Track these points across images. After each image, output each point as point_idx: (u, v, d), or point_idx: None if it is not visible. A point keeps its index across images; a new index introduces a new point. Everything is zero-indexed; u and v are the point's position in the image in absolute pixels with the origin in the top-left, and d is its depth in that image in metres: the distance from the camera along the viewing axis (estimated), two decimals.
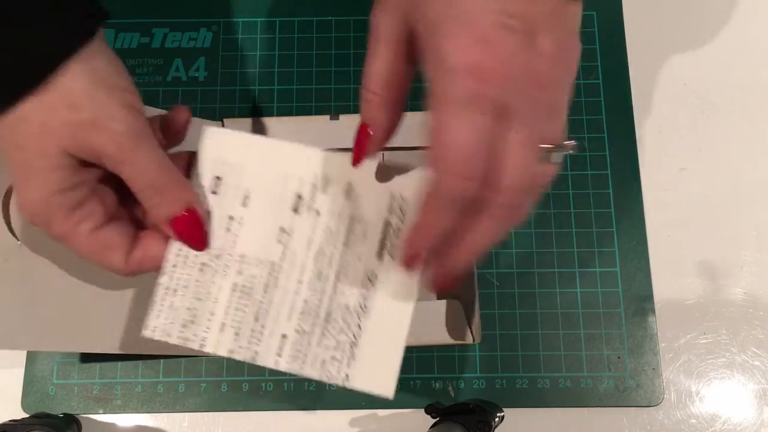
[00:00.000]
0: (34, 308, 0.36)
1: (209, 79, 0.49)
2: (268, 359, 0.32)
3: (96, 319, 0.38)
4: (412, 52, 0.28)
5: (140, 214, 0.34)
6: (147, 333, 0.32)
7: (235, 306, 0.33)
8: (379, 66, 0.29)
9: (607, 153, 0.47)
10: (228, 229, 0.33)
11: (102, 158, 0.29)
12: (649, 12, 0.50)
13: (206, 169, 0.33)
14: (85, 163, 0.30)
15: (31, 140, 0.28)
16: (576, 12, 0.27)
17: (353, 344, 0.32)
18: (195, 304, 0.33)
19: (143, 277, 0.41)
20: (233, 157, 0.33)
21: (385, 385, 0.32)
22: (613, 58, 0.49)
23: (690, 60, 0.49)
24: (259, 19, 0.51)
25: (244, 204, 0.33)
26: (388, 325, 0.32)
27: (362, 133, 0.30)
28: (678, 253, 0.46)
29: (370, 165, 0.33)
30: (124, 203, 0.33)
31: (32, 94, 0.28)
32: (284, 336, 0.32)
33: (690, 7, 0.50)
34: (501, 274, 0.45)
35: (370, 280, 0.33)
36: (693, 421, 0.43)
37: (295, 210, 0.33)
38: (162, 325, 0.32)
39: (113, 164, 0.30)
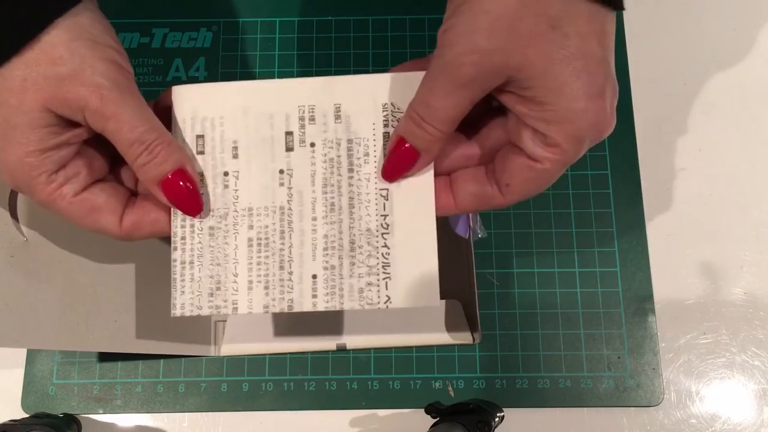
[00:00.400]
0: (39, 306, 0.36)
1: (209, 79, 0.49)
2: (304, 304, 0.31)
3: (101, 318, 0.38)
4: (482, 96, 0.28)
5: (133, 183, 0.32)
6: (176, 312, 0.31)
7: (256, 261, 0.32)
8: (453, 105, 0.28)
9: (607, 153, 0.47)
10: (226, 186, 0.32)
11: (85, 113, 0.28)
12: (649, 12, 0.50)
13: (186, 130, 0.32)
14: (68, 123, 0.29)
15: (11, 96, 0.27)
16: None
17: (385, 264, 0.31)
18: (215, 270, 0.32)
19: (151, 273, 0.41)
20: (210, 111, 0.32)
21: (429, 296, 0.31)
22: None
23: (690, 60, 0.49)
24: (259, 19, 0.51)
25: (235, 156, 0.32)
26: (414, 236, 0.31)
27: (408, 153, 0.30)
28: (678, 253, 0.46)
29: (353, 81, 0.32)
30: (115, 173, 0.32)
31: (16, 55, 0.27)
32: (314, 276, 0.31)
33: (690, 8, 0.50)
34: (501, 274, 0.45)
35: (384, 197, 0.32)
36: (693, 421, 0.43)
37: (289, 148, 0.32)
38: (189, 301, 0.32)
39: (96, 120, 0.28)
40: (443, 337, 0.43)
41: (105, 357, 0.44)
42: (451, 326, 0.43)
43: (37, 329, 0.36)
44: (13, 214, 0.37)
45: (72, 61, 0.27)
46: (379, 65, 0.49)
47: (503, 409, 0.42)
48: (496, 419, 0.40)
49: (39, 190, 0.29)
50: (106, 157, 0.32)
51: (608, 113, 0.27)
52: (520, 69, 0.26)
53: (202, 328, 0.44)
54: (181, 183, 0.30)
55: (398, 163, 0.30)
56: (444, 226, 0.44)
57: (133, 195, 0.32)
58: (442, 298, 0.44)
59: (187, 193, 0.30)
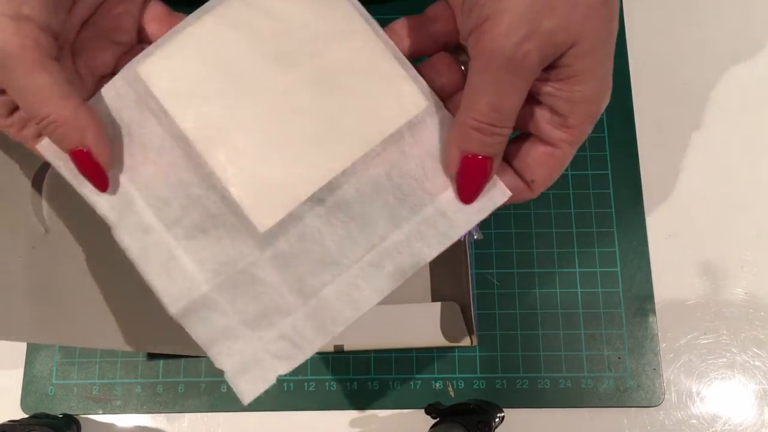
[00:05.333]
0: (55, 302, 0.36)
1: None
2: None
3: (100, 317, 0.38)
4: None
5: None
6: None
7: None
8: (521, 98, 0.25)
9: (607, 153, 0.47)
10: None
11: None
12: (649, 12, 0.50)
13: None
14: None
15: None
16: None
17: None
18: None
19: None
20: None
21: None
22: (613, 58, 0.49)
23: (690, 60, 0.49)
24: None
25: None
26: None
27: (482, 164, 0.26)
28: (678, 253, 0.46)
29: None
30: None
31: None
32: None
33: (690, 7, 0.50)
34: (501, 274, 0.45)
35: None
36: (693, 421, 0.43)
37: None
38: None
39: None
40: (440, 340, 0.43)
41: (105, 357, 0.44)
42: (448, 329, 0.43)
43: (49, 326, 0.36)
44: (36, 205, 0.36)
45: None
46: None
47: (503, 409, 0.42)
48: (497, 419, 0.40)
49: None
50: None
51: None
52: (572, 45, 0.24)
53: None
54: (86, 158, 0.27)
55: (474, 178, 0.27)
56: None
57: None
58: (439, 300, 0.44)
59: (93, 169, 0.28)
